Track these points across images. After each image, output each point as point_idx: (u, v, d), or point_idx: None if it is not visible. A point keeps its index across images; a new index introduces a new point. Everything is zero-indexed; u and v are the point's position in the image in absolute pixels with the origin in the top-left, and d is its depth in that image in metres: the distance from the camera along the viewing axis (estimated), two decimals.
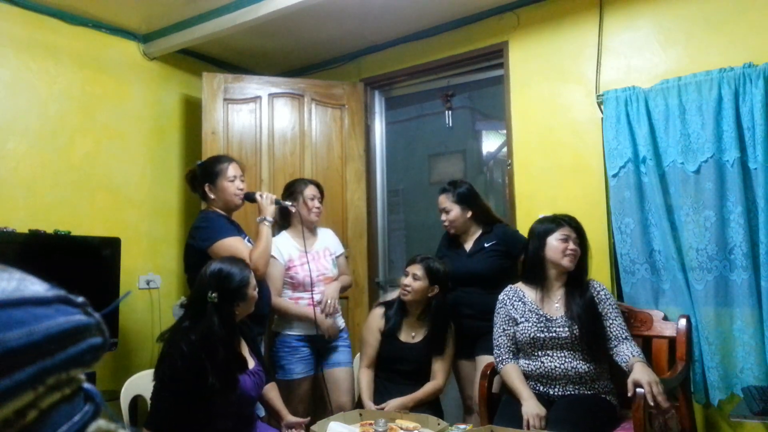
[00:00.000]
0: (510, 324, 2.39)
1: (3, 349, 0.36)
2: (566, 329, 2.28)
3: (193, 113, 3.59)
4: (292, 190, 2.86)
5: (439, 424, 2.13)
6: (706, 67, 2.55)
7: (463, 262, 2.74)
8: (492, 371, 2.49)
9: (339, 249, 2.99)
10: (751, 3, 2.53)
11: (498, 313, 2.43)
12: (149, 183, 3.45)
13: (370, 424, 2.12)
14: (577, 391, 2.27)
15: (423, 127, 3.99)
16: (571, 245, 2.34)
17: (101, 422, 0.43)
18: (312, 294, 2.73)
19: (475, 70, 3.43)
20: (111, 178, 3.26)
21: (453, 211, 2.73)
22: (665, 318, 2.55)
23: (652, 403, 1.99)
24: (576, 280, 2.38)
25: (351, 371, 2.85)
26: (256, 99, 3.49)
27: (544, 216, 2.50)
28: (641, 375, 2.05)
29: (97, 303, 0.46)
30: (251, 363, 2.11)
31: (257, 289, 2.15)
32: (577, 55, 2.94)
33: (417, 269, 2.58)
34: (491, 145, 3.93)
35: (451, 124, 3.66)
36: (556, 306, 2.36)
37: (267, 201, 2.59)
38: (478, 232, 2.76)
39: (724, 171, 2.46)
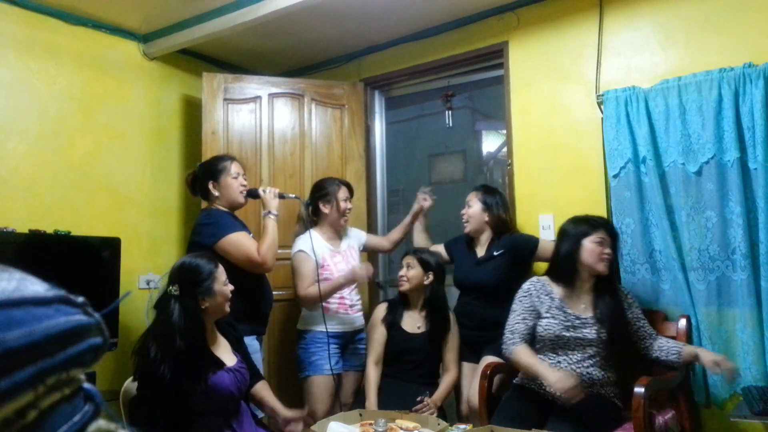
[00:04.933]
0: (532, 315, 2.34)
1: (3, 349, 0.36)
2: (593, 331, 2.26)
3: (193, 113, 3.59)
4: (325, 191, 2.86)
5: (439, 425, 2.13)
6: (706, 67, 2.55)
7: (471, 269, 2.80)
8: (492, 371, 2.48)
9: (361, 236, 3.05)
10: (751, 3, 2.52)
11: (520, 301, 2.37)
12: (149, 183, 3.45)
13: (370, 424, 2.12)
14: (582, 394, 2.25)
15: (423, 127, 3.99)
16: (607, 249, 2.31)
17: (101, 422, 0.43)
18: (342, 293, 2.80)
19: (475, 70, 3.43)
20: (111, 178, 3.26)
21: (473, 208, 2.81)
22: (665, 318, 2.55)
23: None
24: (606, 282, 2.35)
25: (362, 375, 2.88)
26: (256, 99, 3.48)
27: (576, 216, 2.45)
28: (717, 355, 2.18)
29: (97, 303, 0.46)
30: (231, 360, 2.11)
31: (228, 285, 2.10)
32: (577, 55, 2.94)
33: (409, 259, 2.74)
34: (491, 145, 3.93)
35: (451, 124, 3.66)
36: (582, 306, 2.33)
37: (270, 195, 2.61)
38: (490, 238, 2.81)
39: (725, 171, 2.46)
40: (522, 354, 2.26)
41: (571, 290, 2.34)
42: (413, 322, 2.73)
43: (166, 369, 1.87)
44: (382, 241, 3.17)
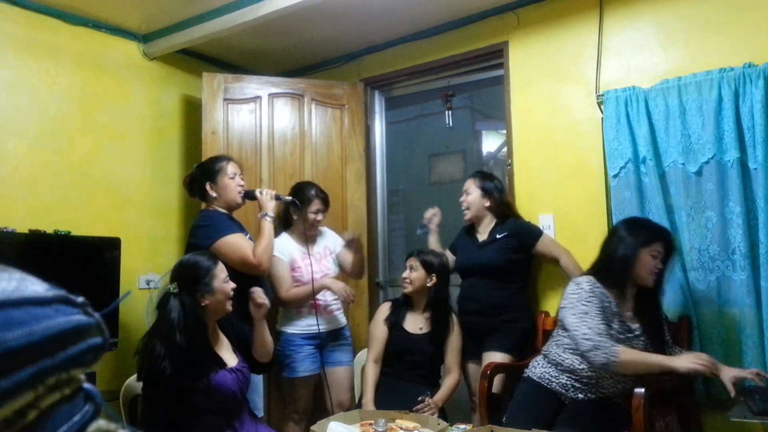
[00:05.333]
0: (604, 316, 2.17)
1: (3, 349, 0.36)
2: (641, 342, 2.18)
3: (193, 113, 3.59)
4: (300, 197, 2.83)
5: (439, 425, 2.13)
6: (706, 67, 2.54)
7: (473, 253, 2.81)
8: (492, 371, 2.48)
9: (338, 244, 3.03)
10: (751, 3, 2.52)
11: (590, 302, 2.17)
12: (149, 183, 3.45)
13: (370, 424, 2.12)
14: (596, 396, 2.21)
15: (423, 127, 3.99)
16: (659, 264, 2.22)
17: (101, 422, 0.43)
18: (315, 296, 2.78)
19: (475, 70, 3.42)
20: (111, 178, 3.26)
21: (472, 195, 2.82)
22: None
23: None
24: (651, 292, 2.28)
25: (351, 370, 2.90)
26: (256, 99, 3.48)
27: (637, 219, 2.35)
28: (737, 371, 2.09)
29: (97, 303, 0.46)
30: (233, 360, 2.12)
31: (229, 283, 2.12)
32: (577, 55, 2.94)
33: (413, 261, 2.74)
34: (491, 145, 3.93)
35: (451, 124, 3.65)
36: (629, 315, 2.24)
37: (267, 197, 2.61)
38: (493, 223, 2.82)
39: (725, 171, 2.46)
40: (630, 353, 2.09)
41: (621, 297, 2.23)
42: (415, 322, 2.74)
43: (166, 364, 1.89)
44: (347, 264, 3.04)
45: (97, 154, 3.21)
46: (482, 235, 2.83)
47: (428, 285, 2.71)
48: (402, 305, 2.79)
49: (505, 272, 2.73)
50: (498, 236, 2.76)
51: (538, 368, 2.34)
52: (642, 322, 2.23)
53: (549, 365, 2.31)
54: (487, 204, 2.80)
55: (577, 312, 2.17)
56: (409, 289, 2.72)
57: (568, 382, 2.23)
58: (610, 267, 2.24)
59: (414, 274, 2.70)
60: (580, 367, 2.20)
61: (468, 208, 2.84)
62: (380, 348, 2.71)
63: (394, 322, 2.73)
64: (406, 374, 2.68)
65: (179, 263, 2.13)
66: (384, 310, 2.81)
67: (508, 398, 2.59)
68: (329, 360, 2.86)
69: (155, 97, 3.52)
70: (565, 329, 2.24)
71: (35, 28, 3.00)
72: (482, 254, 2.77)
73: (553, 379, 2.26)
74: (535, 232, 2.78)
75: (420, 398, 2.50)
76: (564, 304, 2.24)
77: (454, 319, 2.75)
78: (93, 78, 3.22)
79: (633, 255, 2.20)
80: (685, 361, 2.06)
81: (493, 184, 2.83)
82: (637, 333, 2.21)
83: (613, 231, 2.33)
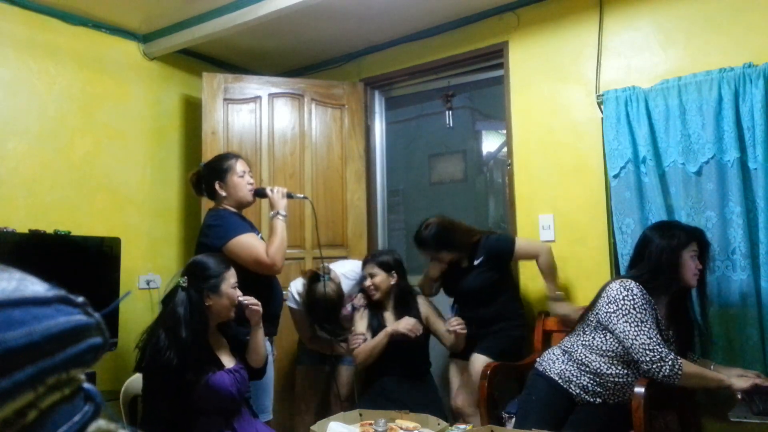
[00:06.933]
0: (657, 325, 2.11)
1: (3, 349, 0.36)
2: (674, 349, 2.12)
3: (193, 113, 3.59)
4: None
5: (439, 424, 2.13)
6: (706, 67, 2.55)
7: (458, 280, 2.84)
8: (492, 371, 2.47)
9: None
10: (751, 3, 2.53)
11: (645, 310, 2.08)
12: (149, 183, 3.45)
13: (370, 424, 2.12)
14: (613, 401, 2.18)
15: (423, 127, 3.99)
16: (698, 264, 2.18)
17: (101, 422, 0.43)
18: None
19: (475, 70, 3.43)
20: (111, 178, 3.26)
21: (445, 258, 2.80)
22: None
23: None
24: (684, 294, 2.25)
25: (352, 368, 2.96)
26: (256, 99, 3.49)
27: (667, 223, 2.30)
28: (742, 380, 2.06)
29: (97, 303, 0.46)
30: (231, 362, 2.13)
31: (236, 290, 2.13)
32: (577, 55, 2.94)
33: (370, 268, 2.78)
34: (491, 145, 3.92)
35: (451, 124, 3.66)
36: (663, 321, 2.18)
37: (278, 195, 2.57)
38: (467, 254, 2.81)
39: (725, 171, 2.46)
40: (691, 367, 2.05)
41: (662, 303, 2.18)
42: (391, 320, 2.77)
43: (172, 355, 1.90)
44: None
45: (97, 154, 3.21)
46: (463, 262, 2.82)
47: (392, 283, 2.77)
48: (374, 310, 2.80)
49: (489, 292, 2.74)
50: (476, 262, 2.75)
51: (557, 364, 2.25)
52: (674, 328, 2.20)
53: (570, 363, 2.22)
54: (454, 256, 2.77)
55: (631, 320, 2.06)
56: (377, 295, 2.75)
57: (589, 385, 2.17)
58: (658, 275, 2.16)
59: (377, 279, 2.74)
60: (608, 372, 2.14)
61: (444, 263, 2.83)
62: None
63: (378, 326, 2.73)
64: (395, 369, 2.68)
65: (192, 261, 2.15)
66: (360, 322, 2.78)
67: (507, 398, 2.59)
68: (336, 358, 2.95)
69: (155, 97, 3.52)
70: (605, 332, 2.16)
71: (35, 28, 3.00)
72: (467, 281, 2.77)
73: (574, 379, 2.19)
74: (507, 246, 2.74)
75: (447, 323, 2.65)
76: (612, 309, 2.11)
77: (420, 300, 2.83)
78: (93, 78, 3.22)
79: (676, 258, 2.15)
80: (743, 381, 2.04)
81: (434, 240, 2.73)
82: (672, 339, 2.18)
83: (646, 239, 2.24)
